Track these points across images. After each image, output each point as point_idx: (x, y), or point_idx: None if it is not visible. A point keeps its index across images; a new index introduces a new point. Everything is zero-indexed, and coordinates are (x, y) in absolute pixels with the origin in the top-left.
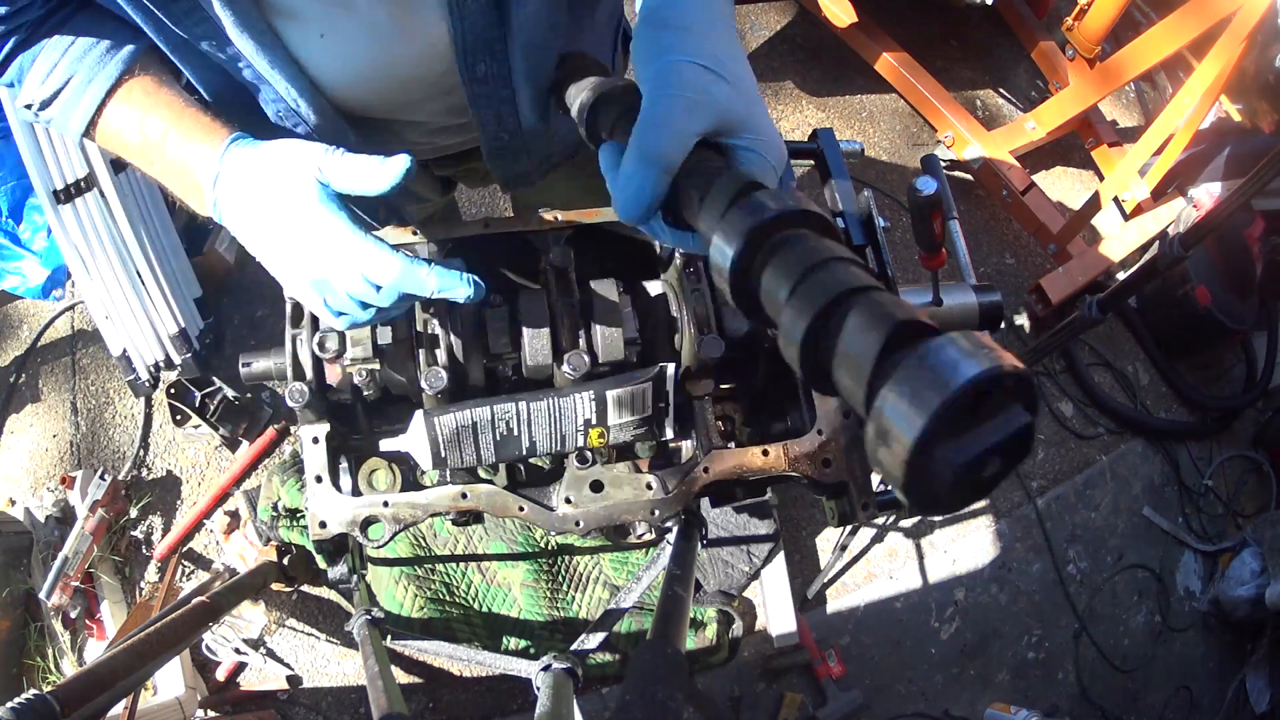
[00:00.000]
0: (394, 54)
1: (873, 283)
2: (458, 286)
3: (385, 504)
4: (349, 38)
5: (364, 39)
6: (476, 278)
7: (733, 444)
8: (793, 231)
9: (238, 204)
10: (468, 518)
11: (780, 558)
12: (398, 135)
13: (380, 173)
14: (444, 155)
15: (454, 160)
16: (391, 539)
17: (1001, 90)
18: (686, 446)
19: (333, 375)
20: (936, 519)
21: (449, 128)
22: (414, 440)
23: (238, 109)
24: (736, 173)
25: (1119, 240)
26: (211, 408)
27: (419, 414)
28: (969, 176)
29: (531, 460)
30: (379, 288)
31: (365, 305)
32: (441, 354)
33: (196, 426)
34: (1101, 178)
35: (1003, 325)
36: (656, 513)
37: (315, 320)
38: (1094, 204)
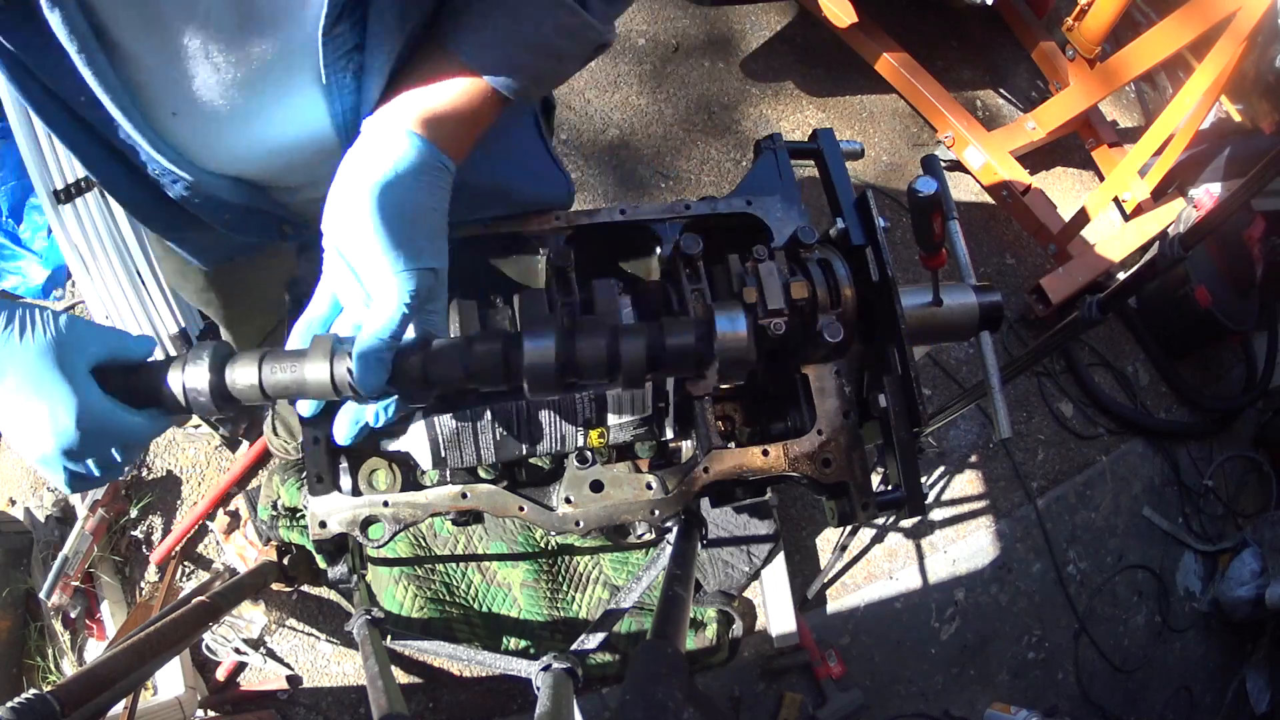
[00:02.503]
0: (264, 136)
1: None
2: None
3: (385, 504)
4: (201, 120)
5: (220, 122)
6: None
7: (733, 444)
8: None
9: None
10: (468, 518)
11: (780, 558)
12: (280, 203)
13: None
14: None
15: None
16: (391, 539)
17: (1001, 90)
18: (686, 446)
19: None
20: (936, 519)
21: None
22: (414, 440)
23: (118, 162)
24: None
25: (1119, 240)
26: None
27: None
28: (969, 176)
29: (531, 460)
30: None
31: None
32: None
33: (196, 426)
34: (1101, 178)
35: (1003, 325)
36: (656, 513)
37: None
38: (1094, 204)
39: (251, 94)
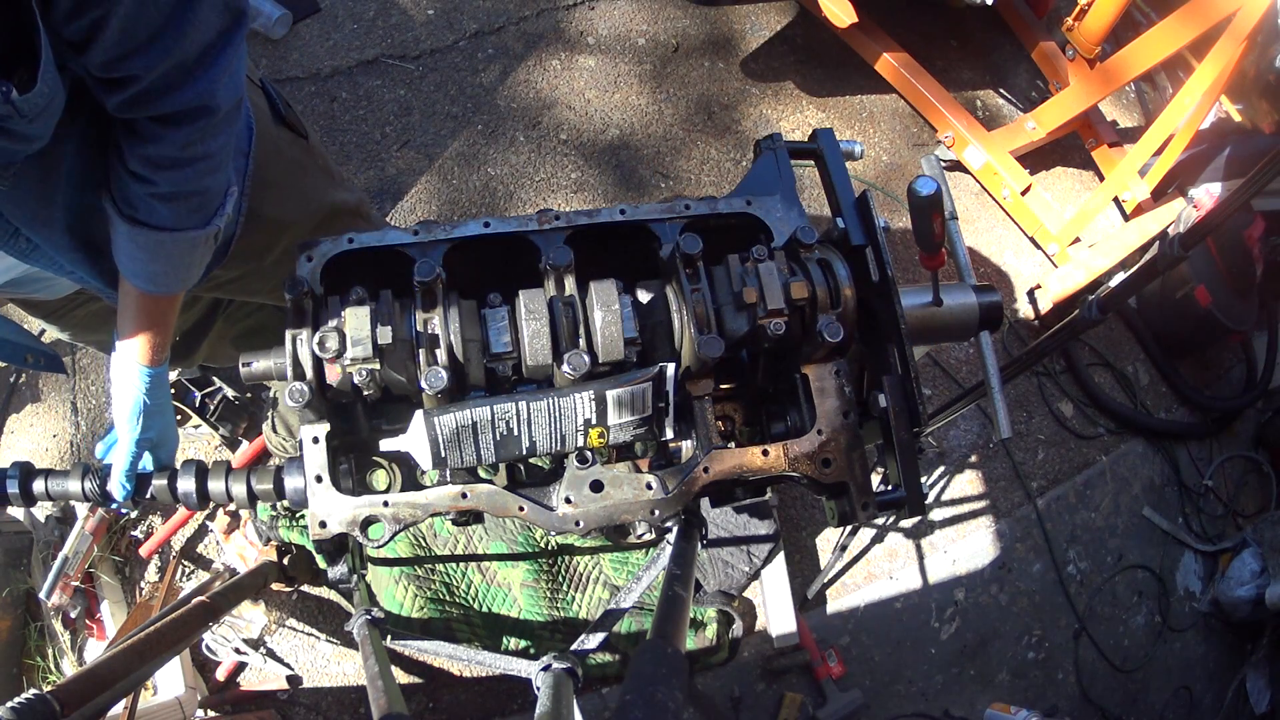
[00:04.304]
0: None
1: None
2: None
3: (385, 504)
4: None
5: None
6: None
7: (733, 444)
8: None
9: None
10: (468, 518)
11: (780, 558)
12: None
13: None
14: None
15: None
16: (391, 539)
17: (1001, 90)
18: (686, 446)
19: (333, 375)
20: (936, 519)
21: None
22: (414, 440)
23: None
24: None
25: (1119, 240)
26: (211, 408)
27: (419, 414)
28: (969, 176)
29: (531, 460)
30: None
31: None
32: (441, 354)
33: (196, 426)
34: (1101, 178)
35: (1003, 325)
36: (656, 513)
37: (316, 320)
38: (1094, 204)
39: None
